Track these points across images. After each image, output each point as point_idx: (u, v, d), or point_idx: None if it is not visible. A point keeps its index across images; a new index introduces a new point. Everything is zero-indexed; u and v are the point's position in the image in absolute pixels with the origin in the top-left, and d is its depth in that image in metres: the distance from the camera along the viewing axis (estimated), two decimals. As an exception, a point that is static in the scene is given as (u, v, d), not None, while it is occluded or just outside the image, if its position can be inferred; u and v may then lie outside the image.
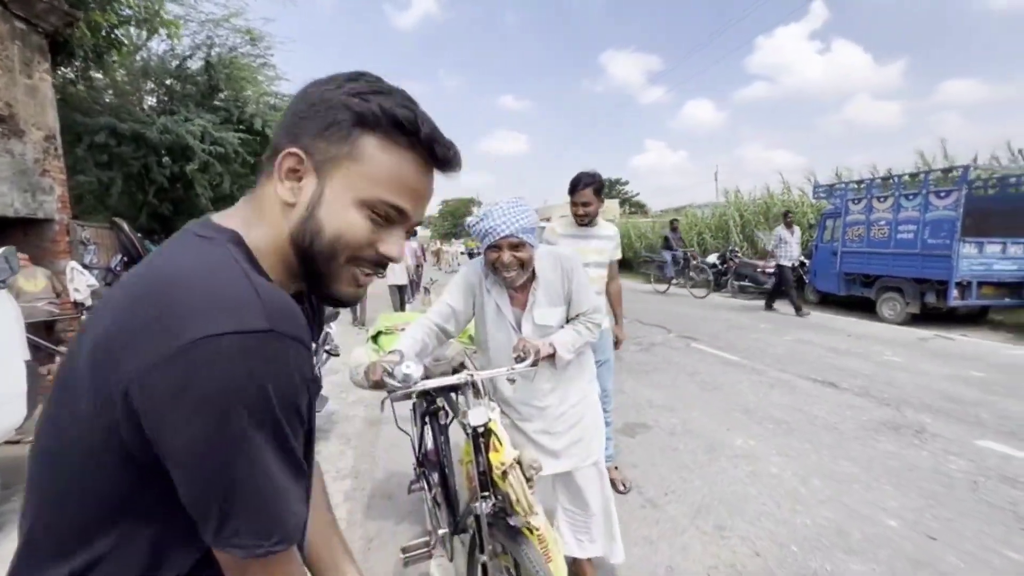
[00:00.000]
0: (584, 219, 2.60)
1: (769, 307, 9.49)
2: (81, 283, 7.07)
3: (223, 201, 12.29)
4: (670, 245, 13.68)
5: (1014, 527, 2.48)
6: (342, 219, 0.57)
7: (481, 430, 1.40)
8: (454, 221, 73.38)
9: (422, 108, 0.59)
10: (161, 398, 0.45)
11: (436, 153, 0.59)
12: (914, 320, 7.83)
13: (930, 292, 7.55)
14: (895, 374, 5.07)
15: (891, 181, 8.33)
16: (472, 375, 1.47)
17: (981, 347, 6.39)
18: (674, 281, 13.17)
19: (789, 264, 8.97)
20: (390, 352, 1.47)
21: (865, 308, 8.77)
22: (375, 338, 2.04)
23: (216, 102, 10.77)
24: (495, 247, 1.55)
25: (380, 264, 0.61)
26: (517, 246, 1.55)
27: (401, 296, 9.86)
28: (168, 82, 10.30)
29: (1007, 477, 2.98)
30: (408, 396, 1.57)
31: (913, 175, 8.03)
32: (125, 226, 8.35)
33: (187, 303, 0.47)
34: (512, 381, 1.67)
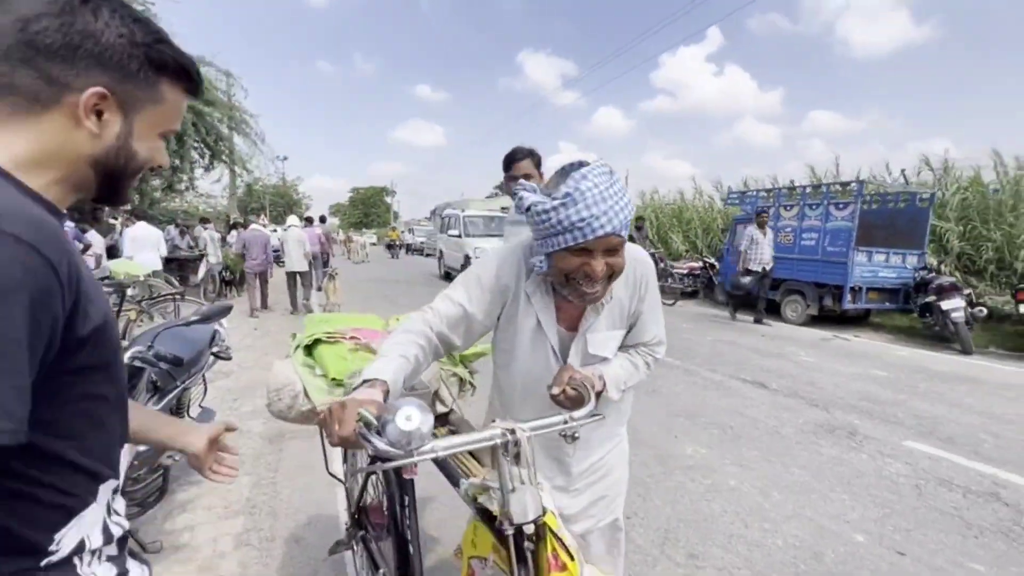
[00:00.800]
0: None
1: (734, 317, 8.71)
2: None
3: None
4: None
5: (968, 535, 2.48)
6: (150, 147, 0.70)
7: (530, 529, 0.85)
8: (364, 210, 70.06)
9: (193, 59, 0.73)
10: None
11: (197, 88, 0.74)
12: (812, 321, 8.46)
13: (827, 296, 8.18)
14: (813, 374, 5.29)
15: (797, 191, 8.93)
16: (516, 430, 0.86)
17: (874, 347, 6.98)
18: None
19: (759, 269, 8.22)
20: (361, 381, 0.91)
21: (768, 310, 9.35)
22: (309, 349, 1.39)
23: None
24: (583, 250, 0.99)
25: (152, 170, 0.73)
26: (614, 249, 1.02)
27: (301, 282, 9.12)
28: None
29: (943, 480, 3.05)
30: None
31: (816, 186, 8.66)
32: None
33: None
34: (571, 438, 0.98)
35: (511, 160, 2.31)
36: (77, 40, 0.60)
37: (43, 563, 0.59)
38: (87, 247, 7.59)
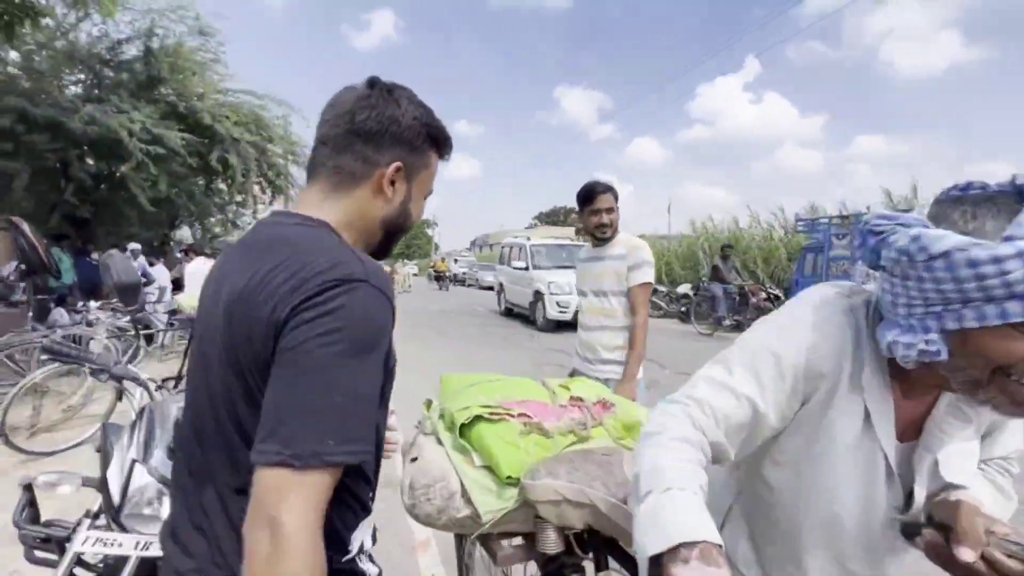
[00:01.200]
0: (607, 230, 2.26)
1: None
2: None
3: (160, 204, 10.83)
4: (721, 277, 11.13)
5: None
6: (419, 208, 0.86)
7: None
8: (407, 241, 71.75)
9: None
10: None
11: (447, 155, 0.88)
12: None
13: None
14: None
15: (850, 220, 8.30)
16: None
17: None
18: (726, 322, 10.44)
19: None
20: (676, 544, 0.53)
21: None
22: (465, 429, 1.03)
23: (156, 95, 9.47)
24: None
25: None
26: None
27: None
28: (97, 67, 8.93)
29: None
30: None
31: (905, 211, 7.98)
32: (25, 227, 6.91)
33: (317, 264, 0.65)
34: None
35: (591, 193, 2.25)
36: (386, 125, 0.77)
37: (344, 559, 0.71)
38: (149, 282, 7.81)
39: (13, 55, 8.34)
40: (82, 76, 8.88)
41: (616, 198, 2.29)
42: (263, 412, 0.60)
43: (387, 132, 0.77)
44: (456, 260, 36.58)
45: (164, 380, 4.46)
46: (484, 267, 29.86)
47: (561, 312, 9.55)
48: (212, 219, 13.46)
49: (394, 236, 0.84)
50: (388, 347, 0.69)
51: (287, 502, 0.55)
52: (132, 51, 9.20)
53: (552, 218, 64.51)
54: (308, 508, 0.56)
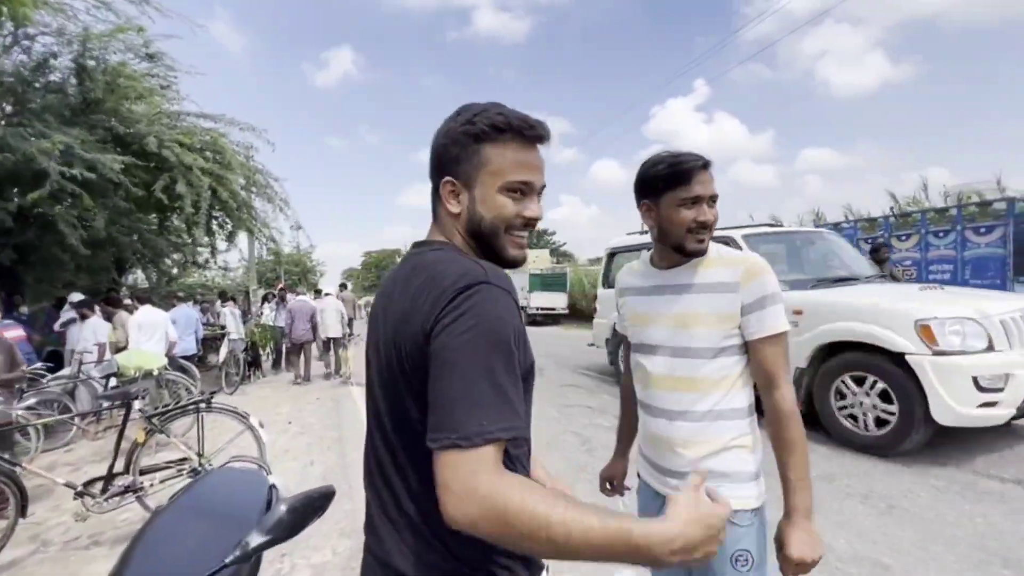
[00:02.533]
0: (704, 237, 1.28)
1: None
2: None
3: (100, 246, 9.35)
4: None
5: None
6: (493, 205, 0.84)
7: None
8: (378, 273, 70.02)
9: (509, 108, 0.86)
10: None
11: (526, 135, 0.84)
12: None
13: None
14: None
15: (914, 217, 7.67)
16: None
17: None
18: None
19: None
20: None
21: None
22: None
23: (93, 119, 8.18)
24: None
25: (528, 224, 0.86)
26: None
27: (334, 349, 9.31)
28: (19, 89, 7.60)
29: None
30: None
31: (941, 210, 7.41)
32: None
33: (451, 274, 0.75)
34: None
35: (683, 170, 1.25)
36: (435, 148, 0.87)
37: None
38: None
39: None
40: (3, 102, 7.52)
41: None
42: (430, 407, 0.69)
43: (436, 153, 0.87)
44: None
45: (87, 484, 3.12)
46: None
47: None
48: (168, 260, 11.99)
49: (488, 239, 0.85)
50: (519, 336, 0.75)
51: (467, 473, 0.63)
52: (61, 66, 7.91)
53: (527, 240, 63.79)
54: (485, 471, 0.63)
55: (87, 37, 7.94)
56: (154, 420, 3.25)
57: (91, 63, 7.92)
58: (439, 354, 0.69)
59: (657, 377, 1.32)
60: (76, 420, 5.03)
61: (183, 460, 3.38)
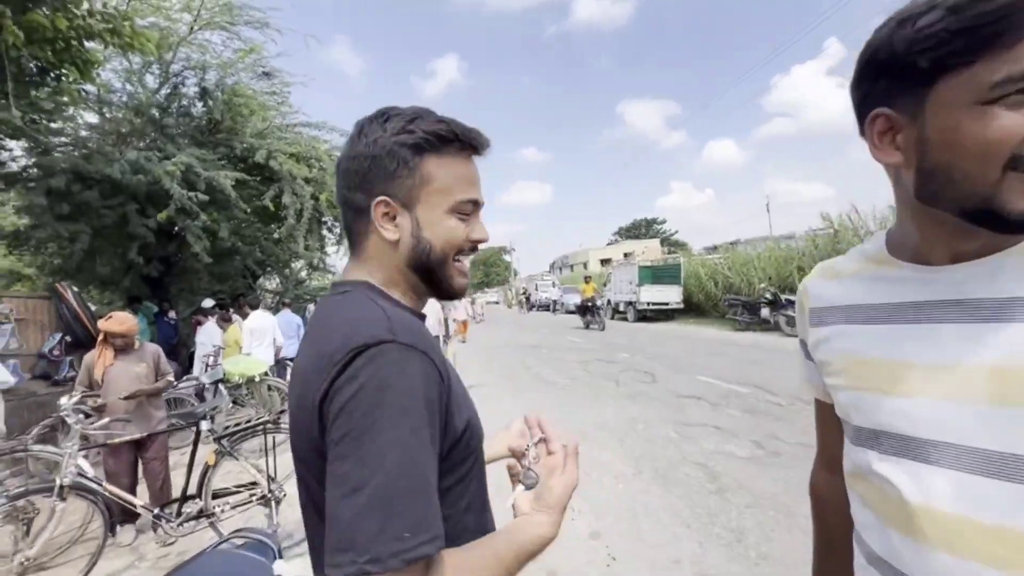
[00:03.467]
0: None
1: None
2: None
3: (224, 258, 10.21)
4: None
5: None
6: (442, 229, 0.70)
7: None
8: (485, 271, 71.93)
9: (437, 114, 0.71)
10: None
11: (474, 144, 0.71)
12: None
13: None
14: None
15: None
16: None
17: None
18: None
19: None
20: None
21: None
22: None
23: (218, 139, 8.86)
24: None
25: (473, 249, 0.74)
26: None
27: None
28: (157, 116, 8.41)
29: None
30: None
31: None
32: (70, 294, 6.17)
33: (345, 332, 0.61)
34: None
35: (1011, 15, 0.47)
36: (360, 163, 0.69)
37: None
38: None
39: (90, 117, 8.03)
40: (144, 128, 8.41)
41: None
42: (326, 517, 0.55)
43: (359, 167, 0.70)
44: (536, 286, 34.80)
45: (163, 507, 2.96)
46: (570, 290, 28.05)
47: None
48: (295, 264, 12.91)
49: (431, 272, 0.72)
50: (441, 405, 0.62)
51: None
52: (188, 95, 8.63)
53: (633, 232, 61.44)
54: None
55: (222, 65, 8.64)
56: (223, 442, 3.03)
57: (211, 85, 8.55)
58: (334, 442, 0.56)
59: (942, 520, 0.56)
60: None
61: (254, 484, 3.14)
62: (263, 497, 3.08)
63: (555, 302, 29.54)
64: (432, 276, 0.72)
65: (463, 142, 0.70)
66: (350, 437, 0.55)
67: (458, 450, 0.65)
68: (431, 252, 0.70)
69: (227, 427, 3.18)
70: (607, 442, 4.68)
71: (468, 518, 0.68)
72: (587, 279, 18.02)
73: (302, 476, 0.66)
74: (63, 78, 6.47)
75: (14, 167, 7.15)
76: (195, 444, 3.02)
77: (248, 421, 3.15)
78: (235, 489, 3.13)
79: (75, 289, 6.02)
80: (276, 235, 9.65)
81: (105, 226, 7.76)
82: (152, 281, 9.25)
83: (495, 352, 12.19)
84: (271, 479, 3.13)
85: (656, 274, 18.67)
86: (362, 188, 0.69)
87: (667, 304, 18.03)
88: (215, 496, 3.08)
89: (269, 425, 3.08)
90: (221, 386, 5.42)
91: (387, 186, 0.68)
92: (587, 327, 16.76)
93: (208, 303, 8.84)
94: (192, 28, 9.17)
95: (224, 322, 7.84)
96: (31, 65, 6.06)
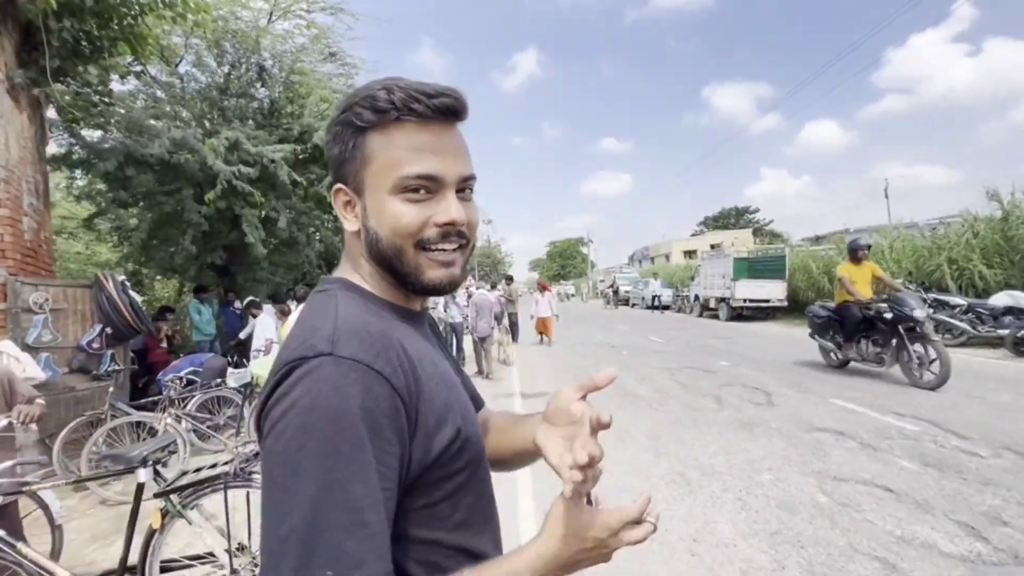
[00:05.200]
0: None
1: None
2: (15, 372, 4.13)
3: (286, 248, 9.84)
4: None
5: None
6: (386, 215, 0.59)
7: None
8: (562, 262, 70.54)
9: (405, 79, 0.60)
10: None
11: (419, 111, 0.58)
12: None
13: None
14: None
15: None
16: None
17: None
18: None
19: None
20: None
21: None
22: None
23: (280, 121, 8.41)
24: None
25: (447, 235, 0.61)
26: None
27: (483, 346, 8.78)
28: (215, 96, 8.04)
29: None
30: None
31: None
32: (111, 284, 5.77)
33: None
34: None
35: None
36: (326, 154, 0.65)
37: None
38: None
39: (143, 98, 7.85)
40: (204, 109, 8.10)
41: None
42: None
43: (327, 158, 0.65)
44: (616, 278, 32.77)
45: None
46: (644, 282, 26.00)
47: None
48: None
49: (390, 265, 0.62)
50: (399, 424, 0.53)
51: None
52: (247, 74, 8.20)
53: (721, 222, 56.91)
54: None
55: (296, 51, 8.26)
56: (172, 497, 2.12)
57: (269, 62, 8.04)
58: (263, 468, 0.51)
59: None
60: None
61: (212, 555, 2.21)
62: (232, 572, 2.15)
63: (630, 294, 27.58)
64: (393, 270, 0.62)
65: (407, 107, 0.57)
66: (275, 464, 0.49)
67: (442, 466, 0.57)
68: (379, 242, 0.61)
69: (184, 473, 2.27)
70: (722, 500, 3.34)
71: (463, 537, 0.60)
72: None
73: None
74: (112, 53, 6.15)
75: (59, 149, 7.00)
76: (136, 499, 2.14)
77: (213, 466, 2.23)
78: (188, 562, 2.23)
79: (121, 278, 5.60)
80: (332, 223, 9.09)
81: (165, 213, 7.54)
82: (219, 270, 9.05)
83: (566, 352, 10.96)
84: (239, 549, 2.20)
85: (754, 267, 16.60)
86: (332, 179, 0.65)
87: (768, 301, 15.76)
88: (163, 571, 2.19)
89: (232, 475, 2.13)
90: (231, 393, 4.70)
91: (340, 173, 0.63)
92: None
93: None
94: (271, 17, 8.89)
95: (283, 315, 7.33)
96: (82, 41, 5.72)
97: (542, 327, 12.15)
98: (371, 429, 0.50)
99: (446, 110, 0.60)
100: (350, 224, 0.63)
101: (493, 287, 12.12)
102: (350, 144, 0.60)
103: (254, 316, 7.42)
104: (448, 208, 0.59)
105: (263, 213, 7.65)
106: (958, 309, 9.39)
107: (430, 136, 0.59)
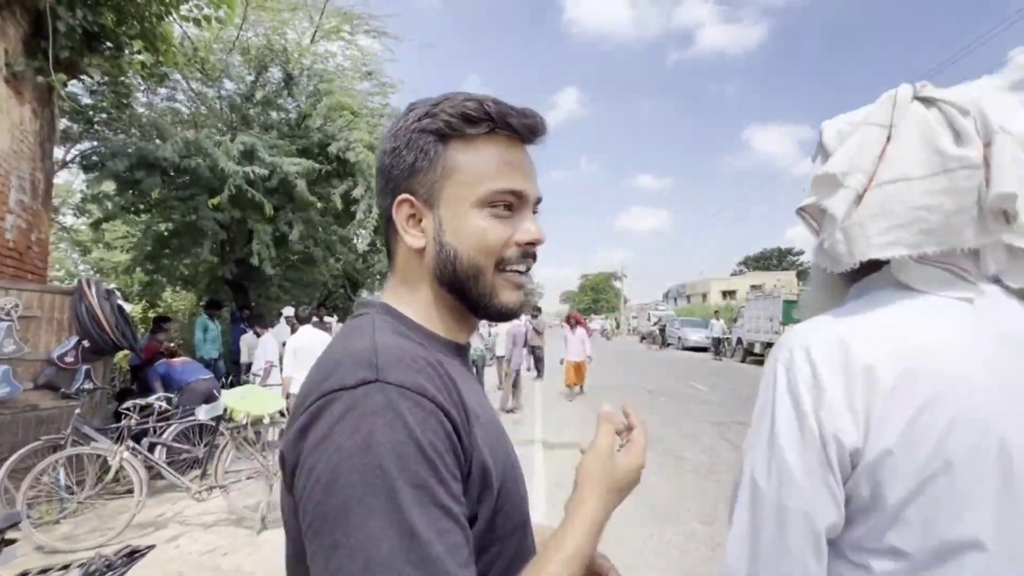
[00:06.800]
0: None
1: None
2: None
3: (301, 266, 9.31)
4: None
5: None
6: (468, 230, 0.56)
7: None
8: (594, 296, 69.35)
9: (491, 96, 0.58)
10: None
11: (514, 126, 0.57)
12: None
13: None
14: None
15: None
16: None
17: None
18: None
19: None
20: None
21: None
22: None
23: (307, 131, 8.02)
24: None
25: (527, 255, 0.59)
26: None
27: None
28: (239, 102, 7.71)
29: None
30: None
31: None
32: (93, 291, 5.25)
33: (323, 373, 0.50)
34: None
35: None
36: (383, 158, 0.59)
37: None
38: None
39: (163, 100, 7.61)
40: (228, 117, 7.78)
41: None
42: None
43: (385, 165, 0.59)
44: (662, 316, 31.14)
45: None
46: (690, 323, 24.60)
47: None
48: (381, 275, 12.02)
49: (462, 286, 0.57)
50: (459, 459, 0.47)
51: None
52: (274, 82, 7.87)
53: (762, 263, 54.88)
54: None
55: (337, 72, 8.04)
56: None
57: (296, 72, 7.70)
58: (309, 525, 0.44)
59: None
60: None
61: None
62: None
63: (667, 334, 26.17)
64: (465, 292, 0.57)
65: (500, 124, 0.56)
66: (328, 523, 0.42)
67: (486, 530, 0.51)
68: (457, 260, 0.56)
69: (24, 574, 1.50)
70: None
71: None
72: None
73: (286, 521, 0.52)
74: (129, 50, 5.86)
75: (60, 152, 6.70)
76: None
77: (66, 567, 1.46)
78: None
79: (111, 287, 5.11)
80: (351, 238, 8.53)
81: (176, 220, 7.14)
82: (233, 285, 8.59)
83: (596, 398, 9.94)
84: None
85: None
86: (386, 189, 0.59)
87: (821, 350, 14.34)
88: None
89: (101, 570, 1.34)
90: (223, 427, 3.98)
91: (409, 183, 0.57)
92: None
93: (288, 311, 7.90)
94: (313, 38, 8.73)
95: (292, 332, 6.71)
96: (98, 36, 5.42)
97: (575, 375, 9.17)
98: (433, 468, 0.43)
99: (533, 129, 0.58)
100: (414, 239, 0.57)
101: (535, 315, 11.21)
102: (430, 152, 0.56)
103: (258, 335, 6.81)
104: (530, 227, 0.58)
105: (277, 230, 7.16)
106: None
107: (515, 153, 0.58)
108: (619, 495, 0.57)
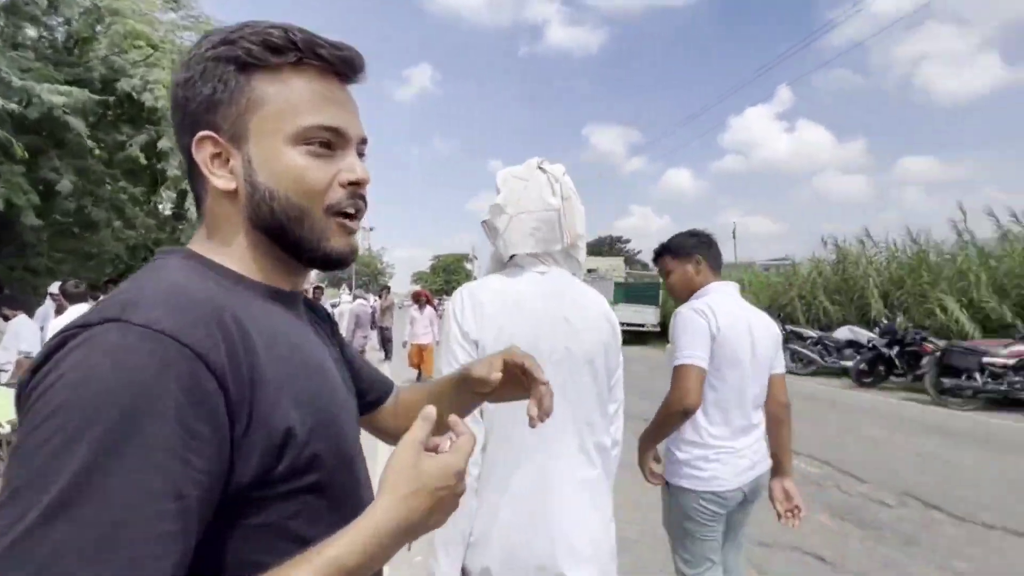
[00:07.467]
0: None
1: None
2: None
3: (77, 231, 7.46)
4: None
5: None
6: (283, 169, 0.50)
7: None
8: (446, 277, 69.51)
9: (298, 25, 0.52)
10: None
11: (326, 56, 0.52)
12: None
13: None
14: None
15: None
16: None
17: None
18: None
19: None
20: None
21: None
22: None
23: (83, 60, 6.28)
24: None
25: (355, 195, 0.54)
26: None
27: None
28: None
29: None
30: None
31: None
32: None
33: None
34: None
35: None
36: (177, 92, 0.51)
37: None
38: None
39: None
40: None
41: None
42: None
43: (179, 99, 0.50)
44: None
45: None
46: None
47: None
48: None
49: (283, 230, 0.51)
50: (210, 412, 0.41)
51: None
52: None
53: (596, 249, 60.56)
54: None
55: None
56: None
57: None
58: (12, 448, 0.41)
59: None
60: None
61: None
62: None
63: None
64: (287, 236, 0.51)
65: (310, 54, 0.50)
66: (22, 446, 0.37)
67: (291, 475, 0.46)
68: (274, 201, 0.50)
69: None
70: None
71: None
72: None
73: None
74: None
75: None
76: None
77: None
78: None
79: None
80: (146, 197, 7.04)
81: None
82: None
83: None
84: None
85: (630, 293, 17.48)
86: (183, 125, 0.51)
87: (643, 326, 16.33)
88: None
89: None
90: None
91: (209, 118, 0.50)
92: None
93: (54, 288, 6.20)
94: None
95: (57, 314, 5.32)
96: None
97: (418, 358, 8.04)
98: (161, 417, 0.38)
99: (349, 64, 0.54)
100: (222, 181, 0.51)
101: (384, 294, 10.62)
102: (230, 83, 0.49)
103: (6, 318, 5.26)
104: (354, 166, 0.53)
105: (40, 179, 5.54)
106: (809, 341, 10.19)
107: (332, 88, 0.53)
108: (425, 500, 0.46)
